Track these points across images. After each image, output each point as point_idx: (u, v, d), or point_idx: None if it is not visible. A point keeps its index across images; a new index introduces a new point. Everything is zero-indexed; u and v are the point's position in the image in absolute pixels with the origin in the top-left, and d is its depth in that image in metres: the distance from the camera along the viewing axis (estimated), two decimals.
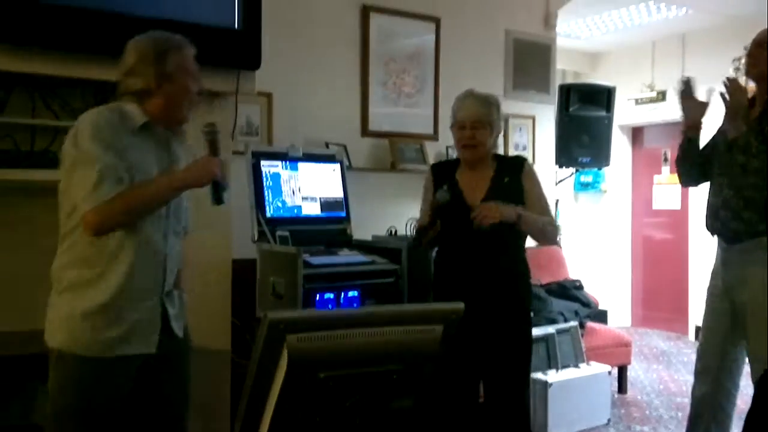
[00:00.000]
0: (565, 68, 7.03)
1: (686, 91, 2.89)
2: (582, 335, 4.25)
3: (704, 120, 2.89)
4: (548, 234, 2.76)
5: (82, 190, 1.85)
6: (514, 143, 4.95)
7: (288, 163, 3.39)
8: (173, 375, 2.11)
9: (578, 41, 6.77)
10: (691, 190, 3.08)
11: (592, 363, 4.10)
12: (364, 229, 3.64)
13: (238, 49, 2.88)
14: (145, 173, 1.96)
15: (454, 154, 3.67)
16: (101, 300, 1.92)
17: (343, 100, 4.18)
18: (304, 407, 1.87)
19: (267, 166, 3.31)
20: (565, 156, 4.97)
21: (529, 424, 2.89)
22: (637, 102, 6.89)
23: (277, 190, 3.32)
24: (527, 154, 4.99)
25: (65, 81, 2.68)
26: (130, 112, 1.98)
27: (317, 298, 2.98)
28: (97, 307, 1.92)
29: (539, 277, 4.53)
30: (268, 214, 3.24)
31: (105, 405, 1.94)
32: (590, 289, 4.94)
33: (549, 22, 5.09)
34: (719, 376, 2.82)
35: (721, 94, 2.72)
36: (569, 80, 6.74)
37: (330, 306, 3.00)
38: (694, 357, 3.00)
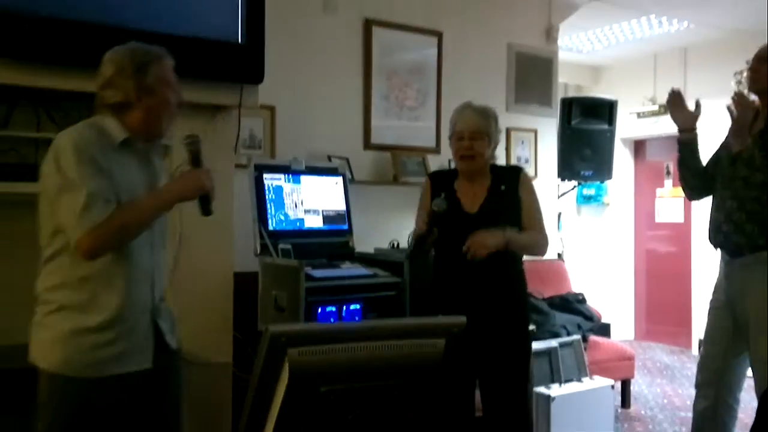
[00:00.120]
0: (567, 82, 7.06)
1: (674, 102, 2.91)
2: (585, 349, 4.23)
3: (697, 126, 2.90)
4: (537, 250, 2.82)
5: (72, 215, 1.81)
6: (516, 156, 4.96)
7: (290, 176, 3.40)
8: (168, 388, 2.09)
9: (580, 55, 6.79)
10: (694, 202, 3.08)
11: (595, 377, 4.08)
12: (366, 241, 3.64)
13: (241, 63, 2.89)
14: (130, 190, 1.93)
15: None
16: (96, 321, 1.89)
17: (346, 113, 4.20)
18: (306, 421, 1.87)
19: (269, 179, 3.32)
20: (567, 169, 4.97)
21: None
22: (639, 115, 6.90)
23: (280, 203, 3.32)
24: (529, 168, 5.00)
25: (69, 95, 2.69)
26: (108, 128, 1.94)
27: (319, 311, 2.98)
28: (92, 328, 1.88)
29: (542, 290, 4.53)
30: (271, 227, 3.24)
31: (102, 424, 1.91)
32: (593, 303, 4.93)
33: (551, 35, 5.11)
34: (720, 390, 2.81)
35: (728, 108, 2.73)
36: (571, 94, 6.76)
37: (332, 319, 2.99)
38: None
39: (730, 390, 2.82)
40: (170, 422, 2.12)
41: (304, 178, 3.44)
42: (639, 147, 7.35)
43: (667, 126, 6.82)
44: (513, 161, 4.91)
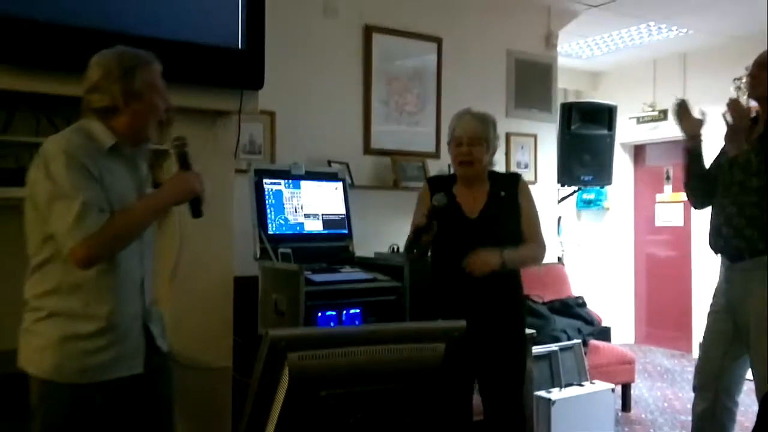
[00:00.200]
0: (567, 87, 7.07)
1: (681, 111, 2.92)
2: (585, 353, 4.23)
3: (703, 133, 2.90)
4: (534, 262, 2.87)
5: (65, 225, 1.79)
6: (516, 161, 4.97)
7: (290, 181, 3.40)
8: (160, 391, 2.10)
9: (580, 60, 6.81)
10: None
11: (596, 381, 4.08)
12: (366, 246, 3.64)
13: (241, 68, 2.90)
14: (120, 196, 1.92)
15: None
16: (87, 328, 1.88)
17: (346, 118, 4.21)
18: (306, 425, 1.87)
19: (269, 184, 3.32)
20: (567, 174, 4.98)
21: None
22: (638, 121, 6.91)
23: (280, 208, 3.33)
24: (529, 173, 5.01)
25: (69, 100, 2.68)
26: (96, 133, 1.92)
27: (319, 315, 2.98)
28: (83, 335, 1.87)
29: (542, 294, 4.53)
30: (270, 232, 3.25)
31: (95, 429, 1.91)
32: (593, 307, 4.93)
33: (550, 41, 5.13)
34: (718, 393, 2.82)
35: (723, 115, 2.74)
36: (571, 99, 6.77)
37: (332, 323, 2.99)
38: None
39: (728, 392, 2.82)
40: (163, 425, 2.12)
41: (304, 182, 3.45)
42: (639, 152, 7.36)
43: (667, 131, 6.89)
44: (513, 166, 4.92)
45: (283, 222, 3.32)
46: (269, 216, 3.27)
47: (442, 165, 4.42)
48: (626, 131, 6.80)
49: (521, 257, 2.76)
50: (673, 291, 6.91)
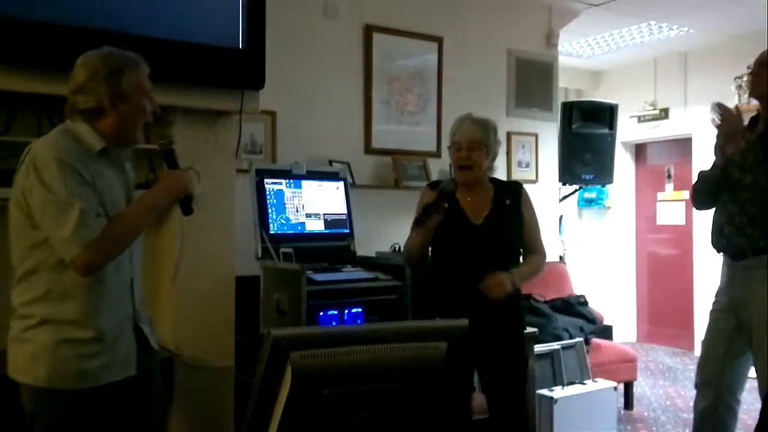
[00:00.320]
0: (568, 86, 7.07)
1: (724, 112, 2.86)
2: (587, 351, 4.23)
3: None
4: (537, 274, 2.87)
5: (65, 233, 1.77)
6: (517, 161, 4.97)
7: (292, 180, 3.41)
8: (151, 389, 2.10)
9: (580, 59, 6.80)
10: None
11: (598, 379, 4.08)
12: (367, 245, 3.64)
13: (242, 68, 2.90)
14: (112, 199, 1.91)
15: None
16: (80, 334, 1.87)
17: (347, 118, 4.21)
18: (308, 424, 1.87)
19: (271, 184, 3.32)
20: (568, 173, 4.98)
21: None
22: (639, 119, 6.91)
23: (281, 208, 3.33)
24: (530, 172, 5.01)
25: None
26: (83, 136, 1.89)
27: (321, 315, 2.98)
28: (76, 340, 1.86)
29: (544, 293, 4.53)
30: (272, 231, 3.25)
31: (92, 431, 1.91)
32: (595, 305, 4.93)
33: (551, 41, 5.13)
34: (720, 391, 2.82)
35: (712, 120, 2.75)
36: (572, 98, 6.77)
37: (334, 323, 2.99)
38: None
39: (730, 391, 2.82)
40: (156, 422, 2.13)
41: (305, 182, 3.45)
42: (640, 151, 7.35)
43: (668, 130, 6.89)
44: (514, 166, 4.92)
45: (284, 222, 3.32)
46: (270, 216, 3.28)
47: (443, 164, 4.42)
48: (627, 130, 6.80)
49: (529, 274, 2.81)
50: (674, 289, 6.90)
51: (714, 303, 2.91)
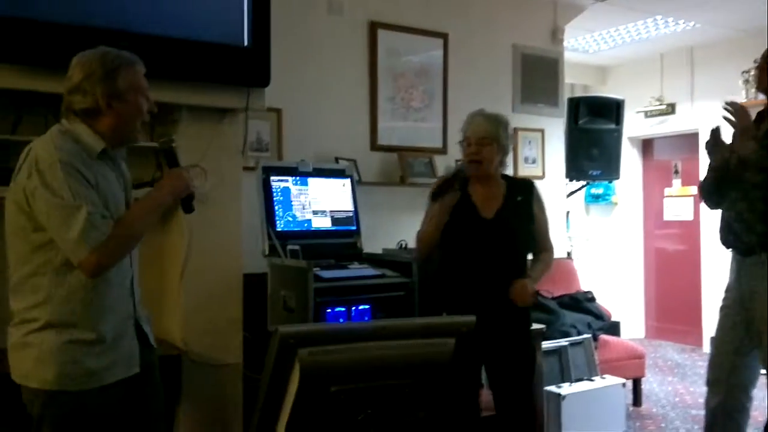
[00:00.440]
0: (574, 82, 7.05)
1: (712, 141, 2.86)
2: (595, 348, 4.22)
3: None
4: (548, 271, 2.91)
5: (72, 236, 1.77)
6: (523, 156, 4.96)
7: (298, 178, 3.41)
8: (152, 383, 2.12)
9: (586, 55, 6.78)
10: None
11: (606, 376, 4.07)
12: (374, 242, 3.64)
13: (247, 66, 2.90)
14: (114, 200, 1.92)
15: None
16: (84, 335, 1.87)
17: (353, 115, 4.20)
18: (317, 421, 1.87)
19: (277, 181, 3.33)
20: (575, 169, 4.96)
21: None
22: (646, 114, 6.88)
23: (288, 205, 3.33)
24: (537, 168, 5.00)
25: None
26: (83, 137, 1.89)
27: (328, 311, 2.98)
28: (81, 341, 1.86)
29: (551, 289, 4.52)
30: (279, 229, 3.25)
31: (99, 430, 1.91)
32: (602, 301, 4.92)
33: (556, 37, 5.11)
34: (731, 388, 2.80)
35: (726, 118, 2.74)
36: (578, 94, 6.75)
37: (341, 319, 3.00)
38: None
39: (742, 387, 2.81)
40: (157, 417, 2.15)
41: (311, 179, 3.45)
42: (647, 146, 7.32)
43: (675, 125, 6.86)
44: (520, 162, 4.91)
45: (291, 219, 3.32)
46: (277, 213, 3.28)
47: (449, 160, 4.41)
48: (634, 125, 6.78)
49: (543, 273, 2.85)
50: (682, 285, 6.87)
51: (723, 299, 2.90)
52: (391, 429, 1.94)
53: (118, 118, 1.91)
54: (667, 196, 7.07)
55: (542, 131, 5.05)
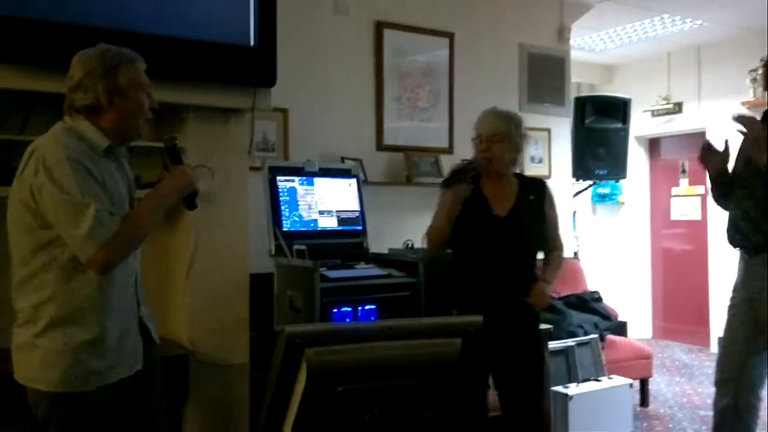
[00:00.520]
0: (581, 81, 7.02)
1: (706, 154, 2.88)
2: (602, 348, 4.21)
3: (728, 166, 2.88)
4: (561, 269, 2.94)
5: (81, 232, 1.77)
6: (530, 156, 4.94)
7: (304, 177, 3.41)
8: (154, 380, 2.12)
9: (593, 54, 6.76)
10: (710, 200, 3.07)
11: (613, 376, 4.06)
12: (380, 242, 3.64)
13: (253, 66, 2.90)
14: (120, 198, 1.93)
15: None
16: (89, 334, 1.87)
17: (359, 115, 4.20)
18: (323, 421, 1.87)
19: (283, 181, 3.33)
20: (581, 168, 4.95)
21: None
22: (653, 114, 6.86)
23: (294, 205, 3.33)
24: (543, 167, 4.99)
25: None
26: (87, 134, 1.90)
27: (335, 311, 2.98)
28: (86, 341, 1.86)
29: (558, 289, 4.51)
30: (285, 229, 3.25)
31: (105, 428, 1.92)
32: (609, 301, 4.91)
33: (563, 36, 5.10)
34: (739, 388, 2.79)
35: (739, 131, 2.73)
36: (585, 93, 6.73)
37: (347, 320, 2.99)
38: None
39: (750, 388, 2.80)
40: (159, 411, 2.15)
41: (317, 179, 3.45)
42: (653, 145, 7.30)
43: (682, 124, 6.83)
44: (527, 161, 4.89)
45: (297, 219, 3.32)
46: (283, 213, 3.28)
47: (455, 160, 4.39)
48: (641, 124, 6.76)
49: (556, 273, 2.88)
50: (690, 285, 6.85)
51: (731, 299, 2.89)
52: (398, 429, 1.93)
53: (119, 114, 1.92)
54: (674, 196, 7.05)
55: (549, 131, 5.04)
